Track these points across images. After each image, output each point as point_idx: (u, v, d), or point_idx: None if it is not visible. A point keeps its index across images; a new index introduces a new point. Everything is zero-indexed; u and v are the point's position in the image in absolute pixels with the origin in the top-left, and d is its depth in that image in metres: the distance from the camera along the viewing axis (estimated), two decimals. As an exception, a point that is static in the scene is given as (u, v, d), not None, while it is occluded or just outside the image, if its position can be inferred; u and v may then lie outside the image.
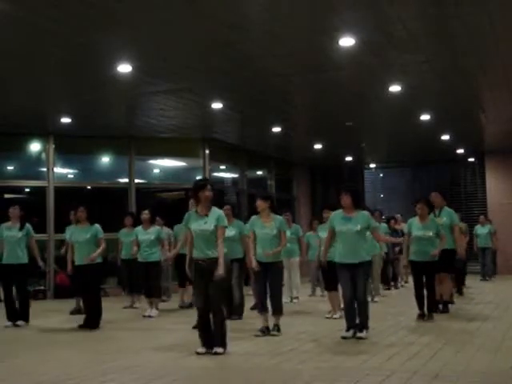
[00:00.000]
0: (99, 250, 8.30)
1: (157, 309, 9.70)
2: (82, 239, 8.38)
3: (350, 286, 6.88)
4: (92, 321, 8.24)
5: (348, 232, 6.87)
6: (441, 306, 8.99)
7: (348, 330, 6.90)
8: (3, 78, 9.68)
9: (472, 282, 13.82)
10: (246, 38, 8.28)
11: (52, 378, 5.22)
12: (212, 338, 6.16)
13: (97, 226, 8.51)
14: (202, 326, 6.23)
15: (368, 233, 7.29)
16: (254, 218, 7.40)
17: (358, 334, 6.81)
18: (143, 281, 9.82)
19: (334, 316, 8.59)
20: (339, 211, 7.10)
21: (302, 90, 11.08)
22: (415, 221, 8.55)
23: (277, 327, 7.31)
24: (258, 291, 7.45)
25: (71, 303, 10.26)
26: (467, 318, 8.45)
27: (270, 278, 7.20)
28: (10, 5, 6.94)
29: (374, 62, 9.45)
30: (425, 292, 8.37)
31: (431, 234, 8.35)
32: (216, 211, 6.25)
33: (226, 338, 6.18)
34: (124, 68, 9.19)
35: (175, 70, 9.65)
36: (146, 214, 9.77)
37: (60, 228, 12.26)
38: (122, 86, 10.24)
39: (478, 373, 4.96)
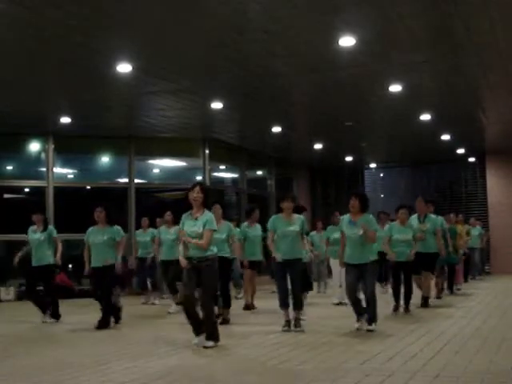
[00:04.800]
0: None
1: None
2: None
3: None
4: None
5: (353, 236, 7.32)
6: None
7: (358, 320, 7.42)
8: (3, 78, 9.68)
9: (472, 283, 13.82)
10: (246, 38, 8.28)
11: (52, 378, 5.22)
12: (201, 326, 6.40)
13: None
14: (189, 315, 6.41)
15: None
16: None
17: (367, 327, 7.24)
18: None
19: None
20: (347, 215, 7.49)
21: (301, 89, 11.09)
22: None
23: (298, 321, 7.57)
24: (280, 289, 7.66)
25: (71, 303, 10.25)
26: (467, 319, 8.45)
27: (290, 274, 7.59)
28: (10, 5, 6.95)
29: (374, 62, 9.45)
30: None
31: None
32: (207, 214, 6.46)
33: (217, 330, 6.40)
34: (124, 68, 9.19)
35: (175, 70, 9.65)
36: (168, 216, 10.18)
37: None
38: (121, 86, 10.25)
39: (477, 373, 4.95)
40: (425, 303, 9.61)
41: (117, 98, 11.30)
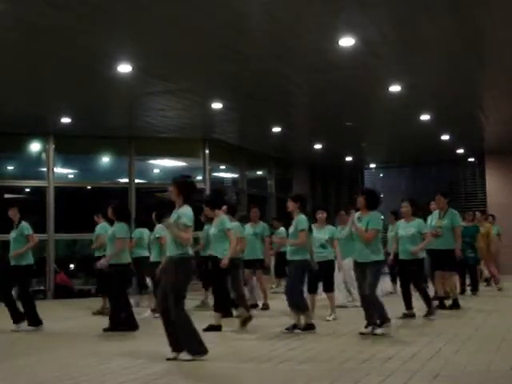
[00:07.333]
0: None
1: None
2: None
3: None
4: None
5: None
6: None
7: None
8: (3, 78, 9.68)
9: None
10: (246, 38, 8.29)
11: (51, 378, 5.23)
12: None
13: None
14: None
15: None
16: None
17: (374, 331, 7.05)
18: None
19: (331, 317, 8.55)
20: (359, 212, 7.40)
21: (301, 89, 11.08)
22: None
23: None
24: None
25: (71, 303, 10.24)
26: (467, 318, 8.46)
27: None
28: (11, 5, 6.95)
29: (373, 62, 9.45)
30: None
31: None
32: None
33: (185, 340, 5.76)
34: (124, 68, 9.19)
35: (175, 70, 9.65)
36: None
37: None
38: (121, 86, 10.25)
39: (478, 373, 4.96)
40: (454, 304, 9.32)
41: (117, 98, 11.29)
